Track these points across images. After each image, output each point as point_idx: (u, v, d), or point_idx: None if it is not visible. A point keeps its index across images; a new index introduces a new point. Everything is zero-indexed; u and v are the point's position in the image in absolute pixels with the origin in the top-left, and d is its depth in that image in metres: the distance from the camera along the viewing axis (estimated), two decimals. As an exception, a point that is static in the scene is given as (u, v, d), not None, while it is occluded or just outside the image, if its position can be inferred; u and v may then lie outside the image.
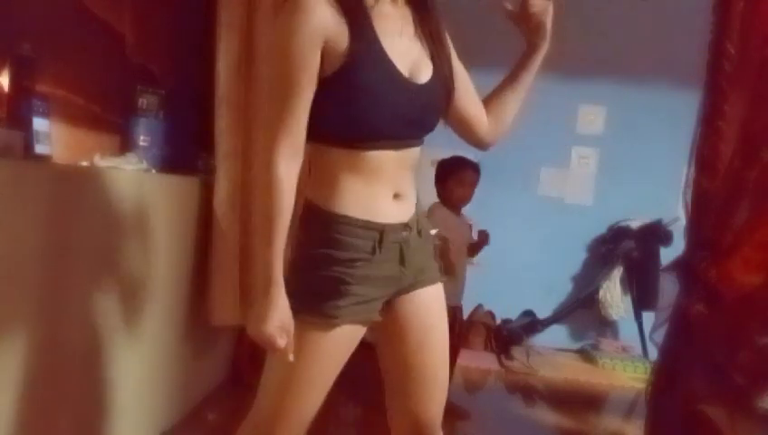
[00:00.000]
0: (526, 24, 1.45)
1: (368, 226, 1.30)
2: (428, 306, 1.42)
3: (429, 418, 1.43)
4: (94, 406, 1.95)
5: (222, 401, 2.94)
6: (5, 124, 1.73)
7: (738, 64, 1.94)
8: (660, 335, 2.16)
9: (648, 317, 3.51)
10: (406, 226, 1.36)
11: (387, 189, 1.33)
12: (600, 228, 4.66)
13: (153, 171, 2.32)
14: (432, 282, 1.43)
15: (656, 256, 4.25)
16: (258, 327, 1.24)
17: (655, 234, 4.33)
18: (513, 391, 3.81)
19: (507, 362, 4.16)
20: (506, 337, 4.36)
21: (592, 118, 4.63)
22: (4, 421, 1.53)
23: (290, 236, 1.29)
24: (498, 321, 4.53)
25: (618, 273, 4.46)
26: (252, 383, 3.34)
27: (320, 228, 1.32)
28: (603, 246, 4.64)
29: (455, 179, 3.05)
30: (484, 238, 3.23)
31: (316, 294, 1.30)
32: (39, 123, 1.82)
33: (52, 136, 1.88)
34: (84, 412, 1.91)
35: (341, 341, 1.33)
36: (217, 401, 2.92)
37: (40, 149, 1.81)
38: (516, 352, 4.29)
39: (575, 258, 4.76)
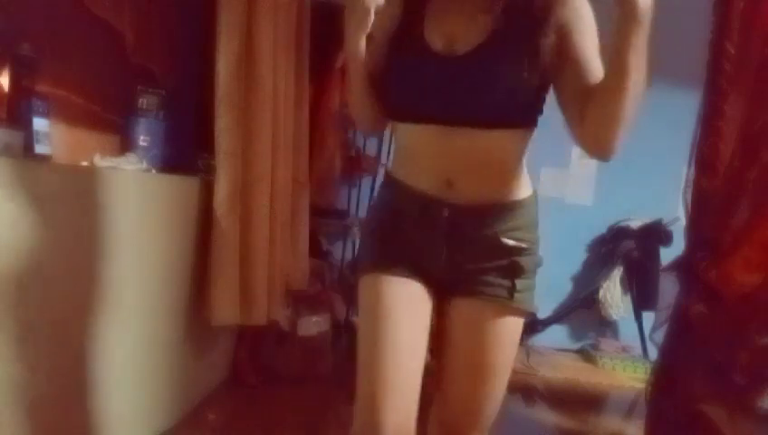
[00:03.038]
0: None
1: (408, 189, 1.30)
2: (467, 320, 1.31)
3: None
4: (94, 406, 1.95)
5: (222, 401, 2.94)
6: (5, 124, 1.73)
7: (738, 64, 1.94)
8: (660, 335, 2.16)
9: (648, 317, 3.51)
10: (447, 206, 1.26)
11: (436, 172, 1.26)
12: (600, 228, 4.66)
13: (153, 171, 2.32)
14: (489, 299, 1.28)
15: (656, 256, 4.25)
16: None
17: (655, 234, 4.33)
18: (513, 391, 3.81)
19: (507, 362, 4.16)
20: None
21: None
22: (3, 420, 1.53)
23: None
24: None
25: (618, 273, 4.46)
26: (252, 383, 3.36)
27: (382, 187, 1.41)
28: (603, 246, 4.64)
29: None
30: None
31: (367, 249, 1.36)
32: (39, 123, 1.82)
33: (52, 136, 1.88)
34: (84, 412, 1.90)
35: (393, 293, 1.27)
36: (217, 401, 2.92)
37: (40, 149, 1.81)
38: (516, 352, 4.29)
39: (575, 258, 4.76)
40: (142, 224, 2.13)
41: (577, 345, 4.73)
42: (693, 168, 2.04)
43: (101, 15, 2.20)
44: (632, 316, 4.40)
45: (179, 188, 2.46)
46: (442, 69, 1.22)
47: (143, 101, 2.48)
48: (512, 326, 1.32)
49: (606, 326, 4.65)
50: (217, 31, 2.45)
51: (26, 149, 1.74)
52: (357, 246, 1.41)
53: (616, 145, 1.24)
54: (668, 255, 3.03)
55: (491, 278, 1.29)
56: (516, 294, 1.29)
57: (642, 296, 4.29)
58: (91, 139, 2.29)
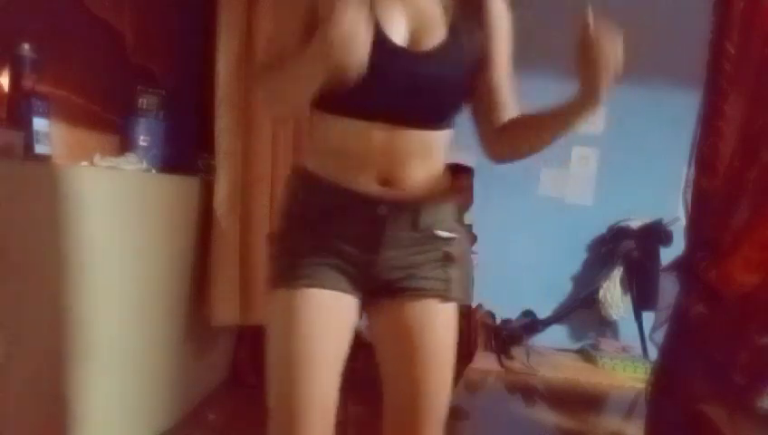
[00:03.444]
0: (584, 66, 1.14)
1: (338, 188, 1.20)
2: (406, 322, 1.26)
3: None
4: (94, 405, 1.95)
5: (222, 401, 2.94)
6: (5, 124, 1.73)
7: (738, 64, 1.94)
8: (660, 335, 2.16)
9: (648, 317, 3.51)
10: (383, 202, 1.20)
11: (372, 170, 1.20)
12: (600, 228, 4.66)
13: (153, 171, 2.32)
14: (426, 294, 1.25)
15: (656, 256, 4.25)
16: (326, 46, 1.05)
17: (655, 234, 4.33)
18: (513, 391, 3.81)
19: (507, 362, 4.16)
20: (506, 337, 4.37)
21: (592, 118, 4.61)
22: (4, 419, 1.53)
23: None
24: (498, 321, 4.53)
25: (618, 273, 4.46)
26: (252, 383, 3.35)
27: (296, 187, 1.27)
28: (603, 246, 4.64)
29: None
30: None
31: (284, 259, 1.23)
32: (39, 123, 1.82)
33: (52, 136, 1.88)
34: (84, 412, 1.90)
35: (315, 307, 1.19)
36: (217, 401, 2.92)
37: (40, 149, 1.81)
38: (516, 352, 4.29)
39: (575, 258, 4.76)
40: (142, 224, 2.13)
41: (577, 345, 4.72)
42: (693, 168, 2.04)
43: (101, 15, 2.20)
44: (632, 316, 4.40)
45: (179, 188, 2.46)
46: (407, 65, 1.16)
47: (143, 101, 2.48)
48: (450, 317, 1.28)
49: (606, 326, 4.65)
50: (217, 31, 2.45)
51: (26, 149, 1.74)
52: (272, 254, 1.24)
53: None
54: (668, 255, 3.03)
55: (426, 272, 1.26)
56: (452, 285, 1.27)
57: (642, 296, 4.29)
58: (91, 139, 2.29)
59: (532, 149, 1.30)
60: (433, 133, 1.23)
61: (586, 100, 1.16)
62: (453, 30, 1.19)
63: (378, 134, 1.18)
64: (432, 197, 1.26)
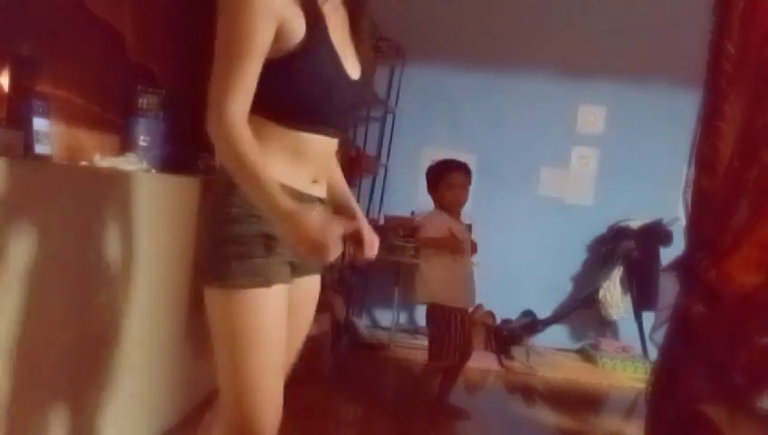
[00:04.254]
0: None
1: (285, 188, 1.29)
2: (310, 293, 1.54)
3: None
4: (94, 405, 1.95)
5: (222, 401, 2.93)
6: (5, 124, 1.73)
7: (738, 64, 1.94)
8: (660, 335, 2.16)
9: (648, 317, 3.52)
10: (321, 201, 1.45)
11: (308, 171, 1.40)
12: (600, 228, 4.67)
13: (153, 171, 2.32)
14: (315, 271, 1.52)
15: (656, 256, 4.25)
16: (300, 238, 1.22)
17: (655, 234, 4.33)
18: (513, 391, 3.81)
19: (507, 362, 4.17)
20: (506, 337, 4.37)
21: (592, 118, 4.63)
22: (4, 419, 1.53)
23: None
24: (498, 321, 4.53)
25: (618, 273, 4.46)
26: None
27: (236, 192, 1.32)
28: (603, 246, 4.65)
29: (444, 183, 3.04)
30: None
31: (242, 257, 1.31)
32: (39, 123, 1.82)
33: (52, 136, 1.89)
34: (84, 412, 1.91)
35: (275, 302, 1.34)
36: (217, 401, 2.92)
37: (40, 149, 1.81)
38: (516, 352, 4.29)
39: (575, 258, 4.76)
40: (142, 224, 2.14)
41: (577, 345, 4.73)
42: (693, 168, 2.03)
43: (101, 15, 2.20)
44: (632, 316, 4.40)
45: (179, 188, 2.46)
46: (349, 90, 1.42)
47: (143, 101, 2.48)
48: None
49: (606, 326, 4.65)
50: (217, 31, 2.45)
51: (26, 149, 1.75)
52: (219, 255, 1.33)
53: None
54: (668, 255, 3.03)
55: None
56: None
57: (642, 296, 4.29)
58: (91, 139, 2.29)
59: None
60: (337, 140, 1.48)
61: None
62: (363, 64, 1.47)
63: (313, 142, 1.39)
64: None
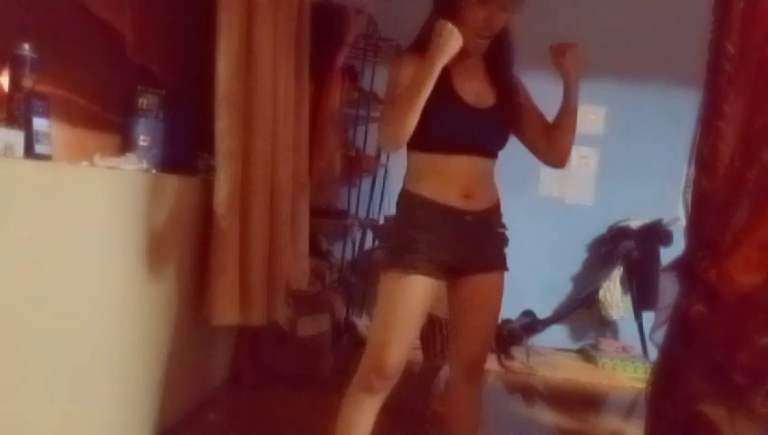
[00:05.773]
0: (558, 65, 1.89)
1: (435, 204, 1.81)
2: (481, 289, 1.93)
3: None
4: (94, 405, 1.95)
5: (222, 401, 2.94)
6: (5, 124, 1.73)
7: (738, 64, 1.94)
8: (660, 335, 2.15)
9: (648, 317, 3.52)
10: (468, 213, 1.83)
11: (455, 188, 1.81)
12: (600, 228, 4.67)
13: (153, 171, 2.32)
14: (489, 269, 1.92)
15: (656, 256, 4.25)
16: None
17: (655, 234, 4.33)
18: (513, 391, 3.81)
19: (507, 362, 4.17)
20: (506, 337, 4.37)
21: (592, 118, 4.63)
22: (4, 419, 1.53)
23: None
24: (498, 321, 4.53)
25: (618, 273, 4.46)
26: (252, 383, 3.35)
27: (405, 203, 1.88)
28: (603, 246, 4.65)
29: None
30: None
31: (401, 251, 1.81)
32: (39, 123, 1.82)
33: (52, 136, 1.88)
34: (84, 412, 1.91)
35: (417, 287, 1.80)
36: (217, 400, 2.92)
37: (40, 149, 1.81)
38: (516, 352, 4.29)
39: (575, 258, 4.76)
40: (142, 224, 2.14)
41: (577, 345, 4.73)
42: (693, 168, 2.03)
43: (101, 15, 2.20)
44: (632, 316, 4.41)
45: (179, 188, 2.46)
46: (474, 117, 1.82)
47: (143, 101, 2.48)
48: (502, 284, 1.98)
49: (606, 326, 4.65)
50: (217, 31, 2.45)
51: (26, 149, 1.74)
52: (387, 246, 2.06)
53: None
54: (668, 255, 3.04)
55: (489, 257, 1.94)
56: (505, 262, 1.99)
57: (642, 296, 4.29)
58: (91, 139, 2.29)
59: (567, 141, 1.93)
60: (490, 160, 1.89)
61: (565, 77, 1.90)
62: (499, 98, 1.88)
63: (459, 162, 1.82)
64: (491, 206, 1.91)
